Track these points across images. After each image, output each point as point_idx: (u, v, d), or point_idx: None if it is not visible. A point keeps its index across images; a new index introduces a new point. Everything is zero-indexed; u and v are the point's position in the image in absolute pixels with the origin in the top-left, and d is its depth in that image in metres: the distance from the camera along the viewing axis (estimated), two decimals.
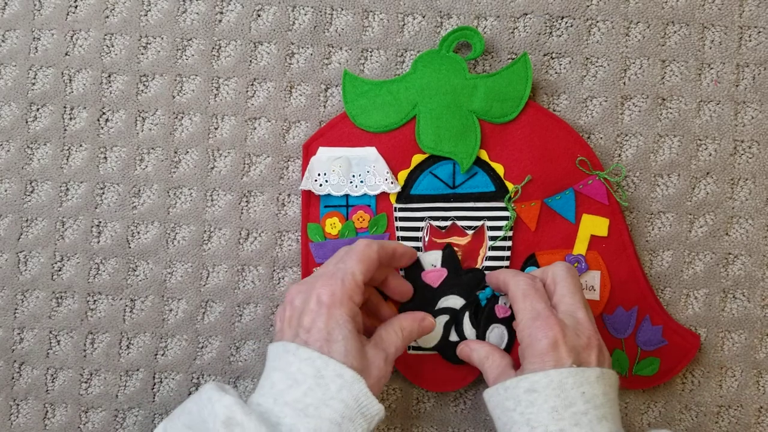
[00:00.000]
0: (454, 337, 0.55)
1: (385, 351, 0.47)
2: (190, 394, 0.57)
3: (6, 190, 0.58)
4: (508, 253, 0.56)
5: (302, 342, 0.45)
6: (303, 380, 0.43)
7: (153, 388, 0.58)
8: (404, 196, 0.56)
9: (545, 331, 0.46)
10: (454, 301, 0.55)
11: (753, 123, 0.58)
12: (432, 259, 0.56)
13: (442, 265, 0.56)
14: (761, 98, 0.58)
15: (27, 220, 0.58)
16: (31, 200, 0.58)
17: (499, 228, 0.56)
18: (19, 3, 0.58)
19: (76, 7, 0.59)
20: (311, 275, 0.49)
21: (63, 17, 0.58)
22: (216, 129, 0.58)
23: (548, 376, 0.44)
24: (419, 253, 0.55)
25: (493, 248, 0.56)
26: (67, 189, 0.58)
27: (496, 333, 0.55)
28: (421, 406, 0.57)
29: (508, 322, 0.55)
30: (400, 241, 0.55)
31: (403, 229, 0.56)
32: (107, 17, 0.58)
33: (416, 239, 0.56)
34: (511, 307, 0.54)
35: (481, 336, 0.55)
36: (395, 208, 0.56)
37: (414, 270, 0.56)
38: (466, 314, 0.55)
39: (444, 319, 0.55)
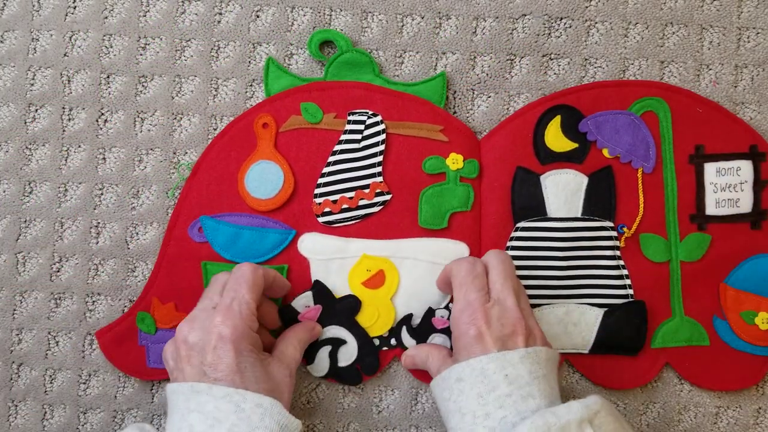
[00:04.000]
0: (342, 362, 0.56)
1: (288, 367, 0.49)
2: None
3: (5, 191, 0.58)
4: None
5: (211, 380, 0.45)
6: (225, 418, 0.43)
7: (152, 389, 0.58)
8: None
9: (470, 323, 0.48)
10: (335, 331, 0.56)
11: (751, 124, 0.58)
12: (304, 301, 0.56)
13: (315, 303, 0.56)
14: (759, 99, 0.58)
15: (26, 221, 0.58)
16: (30, 201, 0.58)
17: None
18: (17, 4, 0.58)
19: (74, 8, 0.59)
20: (198, 308, 0.49)
21: (62, 18, 0.58)
22: (215, 130, 0.58)
23: (470, 365, 0.46)
24: (292, 303, 0.56)
25: None
26: (66, 190, 0.58)
27: (438, 341, 0.56)
28: (419, 407, 0.57)
29: (449, 331, 0.55)
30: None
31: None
32: (106, 18, 0.58)
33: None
34: (449, 318, 0.55)
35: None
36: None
37: (291, 316, 0.56)
38: (404, 328, 0.56)
39: (327, 349, 0.56)
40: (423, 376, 0.56)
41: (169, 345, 0.48)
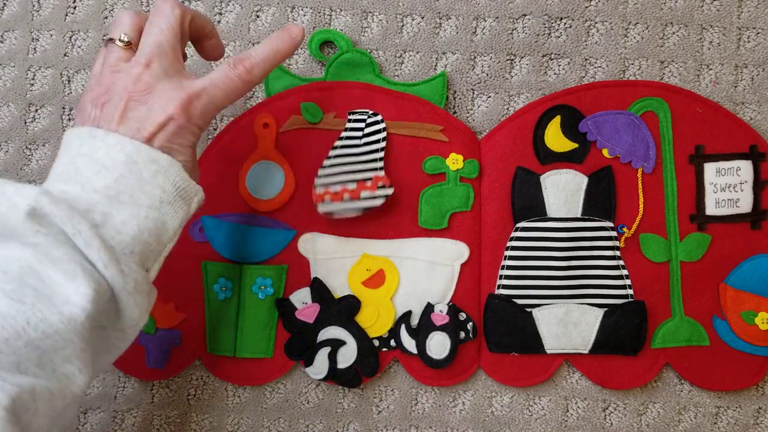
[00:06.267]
0: (341, 364, 0.56)
1: (208, 103, 0.44)
2: (188, 397, 0.57)
3: None
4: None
5: (114, 127, 0.41)
6: (113, 166, 0.40)
7: (152, 390, 0.58)
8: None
9: None
10: (335, 332, 0.56)
11: (751, 124, 0.58)
12: (301, 297, 0.56)
13: (313, 301, 0.56)
14: (759, 99, 0.58)
15: None
16: None
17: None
18: (17, 4, 0.58)
19: (74, 8, 0.59)
20: (149, 69, 0.43)
21: (62, 18, 0.58)
22: (215, 130, 0.58)
23: None
24: (290, 297, 0.56)
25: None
26: None
27: (437, 340, 0.56)
28: (420, 407, 0.57)
29: (448, 328, 0.55)
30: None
31: None
32: (106, 18, 0.58)
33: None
34: (448, 313, 0.55)
35: (421, 345, 0.56)
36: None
37: (287, 310, 0.56)
38: (402, 327, 0.56)
39: (327, 350, 0.56)
40: (423, 376, 0.56)
41: (98, 88, 0.43)
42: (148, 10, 0.58)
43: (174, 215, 0.42)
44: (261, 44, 0.46)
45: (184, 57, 0.49)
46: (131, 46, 0.44)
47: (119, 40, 0.44)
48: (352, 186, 0.55)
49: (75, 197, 0.39)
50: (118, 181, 0.40)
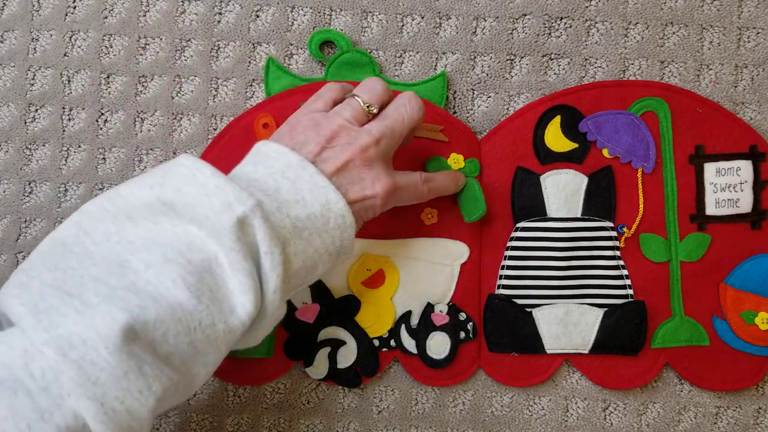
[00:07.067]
0: (341, 364, 0.56)
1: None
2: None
3: (5, 191, 0.58)
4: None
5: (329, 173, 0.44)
6: (311, 204, 0.42)
7: None
8: None
9: None
10: (335, 332, 0.56)
11: (751, 124, 0.58)
12: (302, 297, 0.56)
13: (313, 301, 0.56)
14: (759, 99, 0.58)
15: (26, 221, 0.58)
16: (30, 201, 0.58)
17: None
18: (17, 4, 0.58)
19: (74, 8, 0.59)
20: (377, 147, 0.46)
21: (61, 18, 0.58)
22: (215, 130, 0.58)
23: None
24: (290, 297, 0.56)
25: None
26: (66, 190, 0.58)
27: (437, 340, 0.56)
28: (420, 407, 0.57)
29: (448, 328, 0.55)
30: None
31: None
32: (106, 18, 0.58)
33: None
34: (448, 313, 0.55)
35: (421, 345, 0.56)
36: None
37: (287, 312, 0.55)
38: (402, 327, 0.56)
39: (326, 350, 0.56)
40: (423, 376, 0.56)
41: (326, 132, 0.45)
42: (148, 11, 0.58)
43: (326, 265, 0.44)
44: (442, 174, 0.53)
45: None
46: (368, 116, 0.48)
47: (368, 106, 0.47)
48: None
49: (269, 212, 0.40)
50: (310, 219, 0.42)
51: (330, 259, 0.44)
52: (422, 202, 0.52)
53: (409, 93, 0.49)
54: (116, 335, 0.34)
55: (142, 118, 0.58)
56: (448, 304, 0.56)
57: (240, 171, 0.43)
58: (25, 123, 0.58)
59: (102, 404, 0.34)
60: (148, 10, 0.58)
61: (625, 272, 0.56)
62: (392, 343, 0.56)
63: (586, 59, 0.59)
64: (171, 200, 0.39)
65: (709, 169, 0.57)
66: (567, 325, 0.56)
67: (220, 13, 0.58)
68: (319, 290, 0.56)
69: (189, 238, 0.38)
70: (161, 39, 0.58)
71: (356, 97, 0.48)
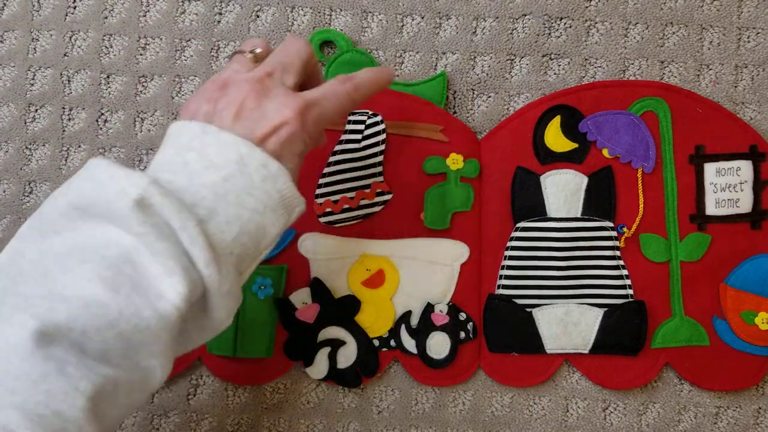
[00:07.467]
0: (341, 364, 0.56)
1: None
2: (188, 397, 0.57)
3: (4, 191, 0.58)
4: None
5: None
6: (223, 165, 0.39)
7: None
8: None
9: None
10: (335, 332, 0.56)
11: (752, 124, 0.58)
12: (301, 297, 0.56)
13: (313, 301, 0.56)
14: (759, 99, 0.58)
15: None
16: (30, 201, 0.58)
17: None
18: (17, 4, 0.58)
19: (74, 8, 0.59)
20: (271, 78, 0.42)
21: (62, 18, 0.58)
22: None
23: None
24: (290, 297, 0.56)
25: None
26: None
27: (437, 340, 0.56)
28: (420, 407, 0.57)
29: (448, 328, 0.55)
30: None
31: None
32: (106, 18, 0.58)
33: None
34: (448, 313, 0.55)
35: (421, 345, 0.56)
36: None
37: (287, 310, 0.56)
38: (402, 327, 0.56)
39: (326, 350, 0.56)
40: (423, 376, 0.56)
41: (213, 87, 0.42)
42: (148, 11, 0.58)
43: (275, 222, 0.41)
44: (363, 71, 0.46)
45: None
46: (259, 60, 0.44)
47: (250, 52, 0.44)
48: (351, 195, 0.56)
49: (181, 189, 0.38)
50: (227, 180, 0.39)
51: (276, 216, 0.41)
52: (356, 107, 0.46)
53: (292, 37, 0.46)
54: (26, 341, 0.34)
55: (142, 118, 0.58)
56: (448, 304, 0.56)
57: (153, 161, 0.41)
58: (25, 123, 0.58)
59: (24, 411, 0.33)
60: (148, 10, 0.58)
61: (625, 272, 0.56)
62: (392, 343, 0.56)
63: (586, 59, 0.59)
64: (79, 203, 0.38)
65: (709, 169, 0.57)
66: (567, 325, 0.56)
67: (220, 13, 0.58)
68: (319, 290, 0.56)
69: (105, 235, 0.37)
70: (161, 39, 0.58)
71: (235, 53, 0.45)
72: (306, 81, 0.46)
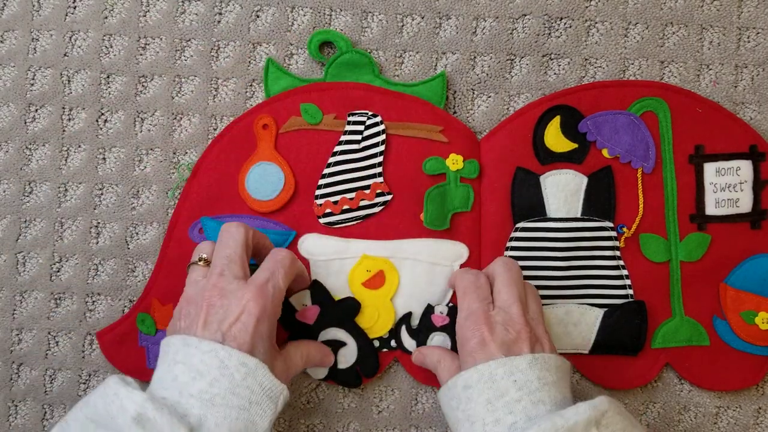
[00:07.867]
0: (342, 365, 0.56)
1: (288, 370, 0.50)
2: None
3: (4, 191, 0.58)
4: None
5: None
6: (207, 371, 0.44)
7: None
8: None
9: (473, 330, 0.48)
10: (335, 333, 0.56)
11: (751, 124, 0.58)
12: (301, 299, 0.56)
13: (313, 303, 0.56)
14: (759, 99, 0.58)
15: (25, 221, 0.58)
16: (30, 201, 0.58)
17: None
18: (17, 4, 0.58)
19: (74, 8, 0.58)
20: (223, 277, 0.48)
21: (62, 18, 0.58)
22: (215, 130, 0.58)
23: (478, 371, 0.46)
24: (290, 299, 0.56)
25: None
26: (66, 190, 0.58)
27: (438, 341, 0.56)
28: (419, 407, 0.57)
29: (449, 329, 0.55)
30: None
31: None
32: (106, 18, 0.58)
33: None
34: (448, 314, 0.56)
35: (421, 346, 0.56)
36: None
37: (287, 312, 0.56)
38: (403, 327, 0.56)
39: None
40: (423, 376, 0.56)
41: (187, 303, 0.48)
42: (148, 11, 0.58)
43: (263, 415, 0.44)
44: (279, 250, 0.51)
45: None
46: (209, 264, 0.49)
47: (199, 259, 0.50)
48: (351, 195, 0.56)
49: (174, 403, 0.43)
50: (212, 385, 0.43)
51: (262, 408, 0.44)
52: (301, 268, 0.52)
53: (226, 225, 0.50)
54: None
55: (142, 118, 0.58)
56: (448, 305, 0.56)
57: (153, 380, 0.46)
58: (25, 123, 0.58)
59: None
60: (148, 10, 0.58)
61: (625, 272, 0.56)
62: (393, 343, 0.56)
63: (586, 59, 0.59)
64: (93, 417, 0.43)
65: (709, 169, 0.57)
66: (567, 325, 0.56)
67: (220, 13, 0.58)
68: (319, 292, 0.56)
69: None
70: (161, 39, 0.58)
71: (190, 265, 0.50)
72: (255, 253, 0.52)
